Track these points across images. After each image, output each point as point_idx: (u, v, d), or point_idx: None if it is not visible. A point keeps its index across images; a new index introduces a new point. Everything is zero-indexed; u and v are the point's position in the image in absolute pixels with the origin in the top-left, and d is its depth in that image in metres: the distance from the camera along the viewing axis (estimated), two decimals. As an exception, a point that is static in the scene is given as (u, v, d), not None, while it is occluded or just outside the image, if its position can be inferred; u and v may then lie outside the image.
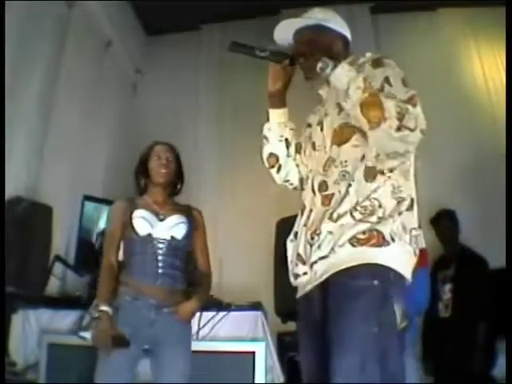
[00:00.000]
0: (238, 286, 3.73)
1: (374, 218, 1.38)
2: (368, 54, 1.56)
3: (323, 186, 1.48)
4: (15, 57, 3.11)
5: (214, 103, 5.00)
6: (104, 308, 1.87)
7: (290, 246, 1.55)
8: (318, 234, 1.41)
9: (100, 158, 4.39)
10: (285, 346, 3.33)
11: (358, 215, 1.38)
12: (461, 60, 4.74)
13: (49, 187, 3.45)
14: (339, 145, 1.48)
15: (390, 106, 1.32)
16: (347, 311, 1.33)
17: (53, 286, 3.21)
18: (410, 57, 4.66)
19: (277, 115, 1.67)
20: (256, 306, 2.79)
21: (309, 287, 1.47)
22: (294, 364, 3.26)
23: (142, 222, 2.04)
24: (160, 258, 2.00)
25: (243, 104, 4.62)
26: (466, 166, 4.25)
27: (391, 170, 1.44)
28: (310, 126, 1.67)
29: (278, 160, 1.68)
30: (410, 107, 1.33)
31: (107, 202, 3.87)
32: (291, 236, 1.55)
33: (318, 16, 1.63)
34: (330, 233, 1.39)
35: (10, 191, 2.83)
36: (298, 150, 1.67)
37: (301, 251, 1.47)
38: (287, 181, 1.71)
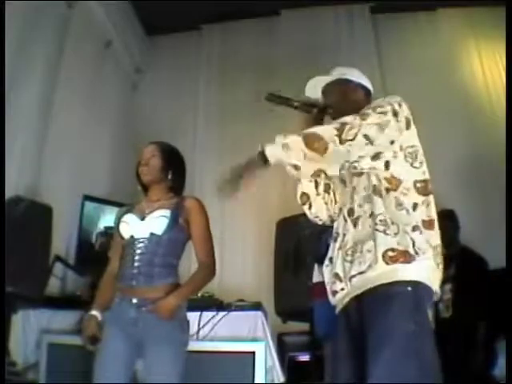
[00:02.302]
0: (238, 286, 3.73)
1: (395, 233, 1.56)
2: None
3: (351, 212, 1.70)
4: (15, 57, 3.11)
5: (214, 103, 4.99)
6: (93, 312, 2.01)
7: (326, 270, 1.75)
8: (361, 252, 1.60)
9: (100, 158, 4.39)
10: (285, 346, 3.34)
11: (385, 229, 1.57)
12: (461, 60, 4.74)
13: (49, 187, 3.45)
14: (359, 175, 1.70)
15: (326, 130, 1.57)
16: (384, 313, 1.48)
17: (53, 286, 3.21)
18: (410, 57, 4.67)
19: None
20: (256, 306, 2.79)
21: (346, 300, 1.64)
22: (294, 364, 3.28)
23: (124, 225, 2.08)
24: (136, 257, 1.99)
25: (243, 104, 4.62)
26: (465, 165, 4.25)
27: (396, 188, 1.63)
28: None
29: (308, 198, 1.88)
30: (348, 120, 1.55)
31: (107, 202, 3.88)
32: (326, 262, 1.76)
33: (340, 72, 1.91)
34: (369, 251, 1.58)
35: (9, 191, 2.83)
36: (326, 190, 1.88)
37: (338, 271, 1.66)
38: (317, 217, 1.90)
